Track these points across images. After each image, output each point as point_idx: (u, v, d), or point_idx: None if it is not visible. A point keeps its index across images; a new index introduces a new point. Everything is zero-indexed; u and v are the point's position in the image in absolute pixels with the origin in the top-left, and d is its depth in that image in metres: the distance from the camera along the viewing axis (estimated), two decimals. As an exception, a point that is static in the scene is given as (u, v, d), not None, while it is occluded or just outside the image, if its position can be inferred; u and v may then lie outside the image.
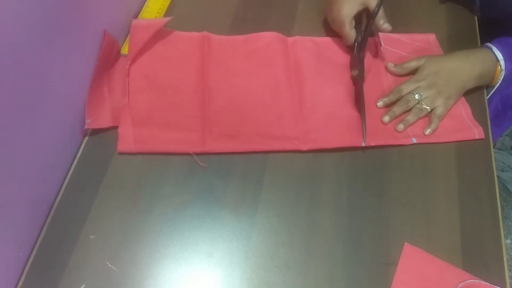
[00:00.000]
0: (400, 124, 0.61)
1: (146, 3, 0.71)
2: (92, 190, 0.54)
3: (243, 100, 0.62)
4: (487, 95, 0.67)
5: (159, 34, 0.64)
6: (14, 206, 0.46)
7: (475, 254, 0.53)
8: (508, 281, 0.51)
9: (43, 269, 0.49)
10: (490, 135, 0.63)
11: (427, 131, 0.61)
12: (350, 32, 0.64)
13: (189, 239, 0.52)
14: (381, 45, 0.69)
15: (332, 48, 0.69)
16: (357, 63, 0.65)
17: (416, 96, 0.62)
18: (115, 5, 0.64)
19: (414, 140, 0.61)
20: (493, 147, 0.62)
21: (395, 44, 0.70)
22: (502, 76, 0.63)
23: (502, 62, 0.62)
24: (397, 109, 0.62)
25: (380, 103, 0.63)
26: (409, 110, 0.62)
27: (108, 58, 0.61)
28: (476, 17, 0.76)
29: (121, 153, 0.57)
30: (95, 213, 0.53)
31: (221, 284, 0.50)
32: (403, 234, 0.54)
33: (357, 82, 0.64)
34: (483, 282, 0.50)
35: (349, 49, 0.68)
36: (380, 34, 0.70)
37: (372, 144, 0.59)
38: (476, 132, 0.62)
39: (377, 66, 0.68)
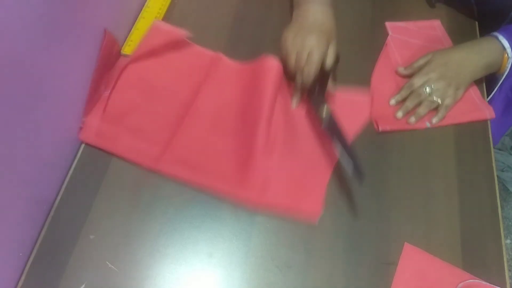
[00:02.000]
0: (412, 117, 0.63)
1: (146, 3, 0.71)
2: (92, 190, 0.54)
3: (220, 133, 0.59)
4: (497, 85, 0.68)
5: (174, 41, 0.63)
6: (14, 206, 0.46)
7: (475, 254, 0.53)
8: (508, 281, 0.51)
9: (43, 269, 0.49)
10: (490, 135, 0.63)
11: (434, 120, 0.63)
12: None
13: (189, 239, 0.52)
14: (388, 34, 0.71)
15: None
16: (319, 103, 0.59)
17: (427, 90, 0.63)
18: (115, 5, 0.63)
19: (428, 125, 0.63)
20: (493, 147, 0.63)
21: (402, 31, 0.72)
22: (510, 63, 0.64)
23: (508, 50, 0.63)
24: (409, 104, 0.63)
25: (392, 102, 0.65)
26: (421, 103, 0.64)
27: (108, 57, 0.61)
28: (475, 15, 0.76)
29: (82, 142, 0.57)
30: (95, 213, 0.53)
31: (221, 284, 0.50)
32: (403, 234, 0.54)
33: (330, 125, 0.57)
34: (483, 282, 0.50)
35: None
36: (387, 23, 0.72)
37: (388, 129, 0.61)
38: (488, 112, 0.64)
39: (387, 57, 0.69)
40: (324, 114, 0.58)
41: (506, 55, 0.63)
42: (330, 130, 0.57)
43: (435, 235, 0.54)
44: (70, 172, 0.56)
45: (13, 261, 0.48)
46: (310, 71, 0.57)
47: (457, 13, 0.75)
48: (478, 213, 0.56)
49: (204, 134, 0.58)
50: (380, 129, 0.61)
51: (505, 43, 0.63)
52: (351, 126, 0.59)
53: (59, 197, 0.54)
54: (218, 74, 0.63)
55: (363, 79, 0.66)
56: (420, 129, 0.63)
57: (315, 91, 0.59)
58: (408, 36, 0.71)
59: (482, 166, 0.60)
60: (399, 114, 0.63)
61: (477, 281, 0.51)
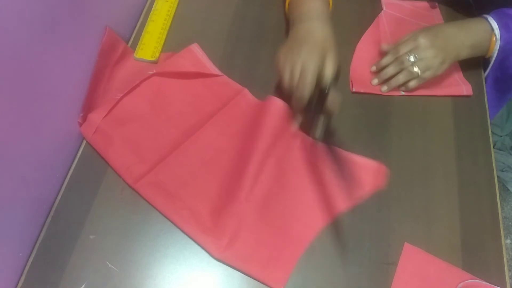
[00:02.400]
0: (385, 86, 0.64)
1: (154, 6, 0.71)
2: (92, 190, 0.54)
3: (209, 171, 0.56)
4: (487, 68, 0.68)
5: (205, 71, 0.63)
6: (14, 206, 0.46)
7: (475, 254, 0.53)
8: (508, 281, 0.51)
9: (43, 269, 0.49)
10: (490, 135, 0.63)
11: (404, 88, 0.64)
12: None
13: (189, 239, 0.52)
14: (382, 9, 0.72)
15: (321, 155, 0.55)
16: (315, 116, 0.54)
17: (411, 58, 0.62)
18: (117, 4, 0.63)
19: (402, 92, 0.64)
20: (493, 147, 0.63)
21: (396, 8, 0.73)
22: (498, 46, 0.63)
23: (497, 31, 0.62)
24: (389, 70, 0.64)
25: (373, 68, 0.66)
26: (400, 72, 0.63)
27: (109, 54, 0.61)
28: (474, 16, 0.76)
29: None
30: (95, 213, 0.53)
31: (221, 284, 0.50)
32: (403, 234, 0.54)
33: (326, 138, 0.53)
34: (483, 282, 0.50)
35: None
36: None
37: (361, 91, 0.63)
38: (464, 88, 0.65)
39: (376, 28, 0.71)
40: (320, 125, 0.53)
41: (494, 37, 0.63)
42: (326, 145, 0.52)
43: (435, 235, 0.54)
44: (70, 172, 0.56)
45: (13, 261, 0.48)
46: (304, 87, 0.51)
47: (457, 14, 0.75)
48: (478, 213, 0.56)
49: (193, 167, 0.56)
50: (354, 89, 0.63)
51: (494, 25, 0.62)
52: (356, 190, 0.55)
53: (59, 197, 0.54)
54: (235, 109, 0.61)
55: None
56: (395, 95, 0.64)
57: (311, 109, 0.53)
58: (402, 13, 0.72)
59: (482, 166, 0.60)
60: (375, 81, 0.64)
61: (477, 281, 0.51)
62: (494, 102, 0.70)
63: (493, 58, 0.65)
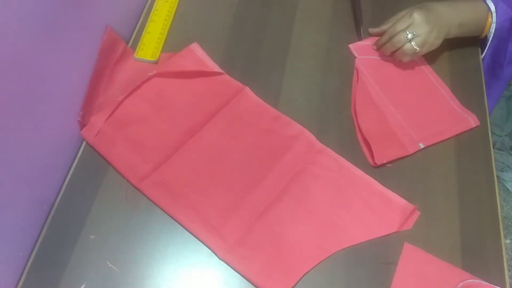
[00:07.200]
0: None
1: (154, 6, 0.71)
2: (92, 190, 0.54)
3: (214, 170, 0.56)
4: (482, 53, 0.68)
5: (206, 69, 0.63)
6: (14, 206, 0.46)
7: (475, 254, 0.53)
8: (507, 281, 0.52)
9: (43, 269, 0.49)
10: (490, 135, 0.63)
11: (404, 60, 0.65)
12: None
13: (190, 238, 0.52)
14: (355, 57, 0.68)
15: (353, 181, 0.57)
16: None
17: (409, 35, 0.61)
18: (118, 4, 0.63)
19: (421, 146, 0.60)
20: (493, 147, 0.63)
21: (366, 51, 0.69)
22: (493, 28, 0.63)
23: (494, 14, 0.62)
24: (388, 48, 0.65)
25: (374, 47, 0.68)
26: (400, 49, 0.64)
27: (109, 53, 0.61)
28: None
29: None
30: (95, 213, 0.53)
31: (221, 284, 0.50)
32: (403, 234, 0.54)
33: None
34: (483, 282, 0.51)
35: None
36: (350, 45, 0.69)
37: (385, 162, 0.58)
38: (472, 120, 0.63)
39: (362, 84, 0.65)
40: None
41: (490, 18, 0.62)
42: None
43: (435, 235, 0.54)
44: (70, 172, 0.56)
45: (13, 261, 0.48)
46: None
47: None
48: (478, 213, 0.56)
49: (197, 166, 0.56)
50: (377, 163, 0.57)
51: (491, 6, 0.62)
52: (377, 226, 0.54)
53: (59, 197, 0.54)
54: (237, 108, 0.61)
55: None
56: (416, 151, 0.60)
57: None
58: (374, 53, 0.69)
59: (482, 166, 0.60)
60: (374, 47, 0.68)
61: (477, 281, 0.51)
62: (489, 90, 0.69)
63: (489, 40, 0.65)
